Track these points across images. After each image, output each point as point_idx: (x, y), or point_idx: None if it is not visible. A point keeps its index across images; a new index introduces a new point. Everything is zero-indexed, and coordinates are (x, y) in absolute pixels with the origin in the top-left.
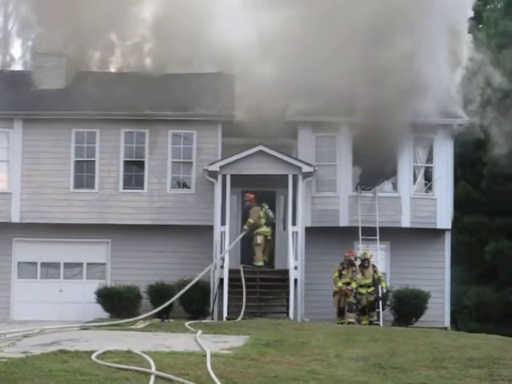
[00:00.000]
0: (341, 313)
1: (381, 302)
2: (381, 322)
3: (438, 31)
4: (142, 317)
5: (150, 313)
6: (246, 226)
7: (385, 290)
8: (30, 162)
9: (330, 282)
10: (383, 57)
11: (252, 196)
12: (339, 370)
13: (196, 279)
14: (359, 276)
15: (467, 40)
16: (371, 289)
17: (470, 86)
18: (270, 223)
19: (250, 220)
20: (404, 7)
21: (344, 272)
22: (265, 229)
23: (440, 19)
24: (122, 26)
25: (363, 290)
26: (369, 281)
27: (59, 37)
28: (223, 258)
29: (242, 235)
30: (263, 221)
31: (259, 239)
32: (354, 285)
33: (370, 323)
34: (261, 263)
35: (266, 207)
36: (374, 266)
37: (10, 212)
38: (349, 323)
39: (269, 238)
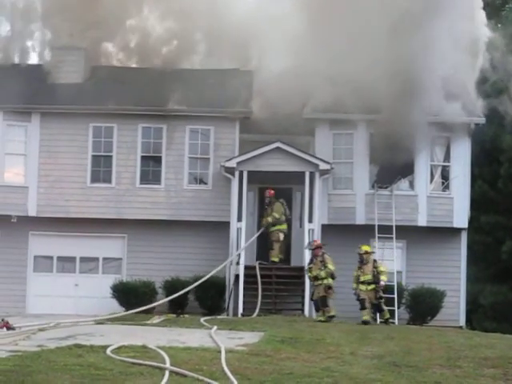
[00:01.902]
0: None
1: (382, 300)
2: (396, 321)
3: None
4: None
5: (162, 301)
6: (270, 219)
7: (383, 283)
8: (47, 156)
9: (345, 279)
10: (401, 51)
11: (273, 192)
12: (354, 368)
13: (218, 268)
14: (330, 266)
15: (485, 35)
16: (371, 286)
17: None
18: (287, 220)
19: (276, 214)
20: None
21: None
22: (284, 226)
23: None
24: (139, 20)
25: (363, 287)
26: (368, 277)
27: (77, 31)
28: (239, 255)
29: (262, 229)
30: (283, 217)
31: (281, 236)
32: (322, 273)
33: (386, 322)
34: (276, 259)
35: (285, 203)
36: (374, 262)
37: (27, 206)
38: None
39: (285, 234)
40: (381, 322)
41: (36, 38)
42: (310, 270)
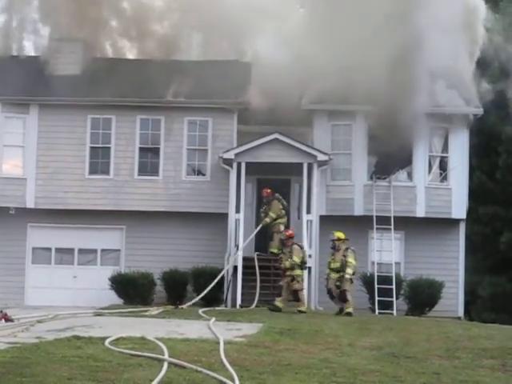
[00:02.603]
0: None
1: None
2: (394, 312)
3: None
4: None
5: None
6: (268, 219)
7: (347, 277)
8: (46, 148)
9: None
10: (397, 42)
11: (269, 191)
12: (352, 359)
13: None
14: (295, 257)
15: (482, 27)
16: (338, 275)
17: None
18: (287, 213)
19: (272, 215)
20: None
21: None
22: (284, 219)
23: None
24: (137, 12)
25: (333, 275)
26: (337, 265)
27: (75, 22)
28: (237, 246)
29: (260, 226)
30: (283, 212)
31: (281, 227)
32: (286, 264)
33: (344, 313)
34: (275, 250)
35: (281, 197)
36: (345, 250)
37: (25, 198)
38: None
39: (286, 226)
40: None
41: (34, 29)
42: (280, 260)
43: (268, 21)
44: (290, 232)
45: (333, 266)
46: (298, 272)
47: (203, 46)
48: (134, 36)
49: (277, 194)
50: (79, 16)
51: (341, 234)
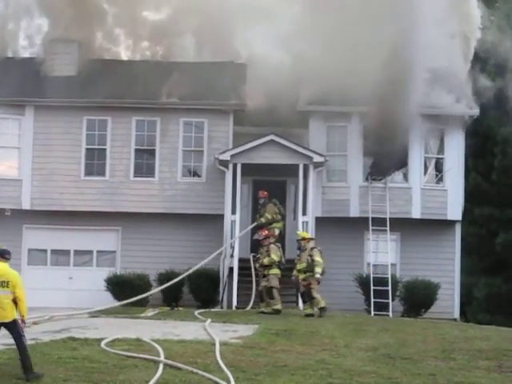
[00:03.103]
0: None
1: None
2: (390, 313)
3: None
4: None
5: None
6: (263, 219)
7: (317, 276)
8: (41, 149)
9: (339, 272)
10: (389, 41)
11: (266, 193)
12: (348, 360)
13: (205, 261)
14: (273, 255)
15: (477, 26)
16: (306, 275)
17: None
18: (283, 218)
19: (268, 215)
20: None
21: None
22: (280, 224)
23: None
24: (133, 13)
25: (301, 276)
26: (303, 265)
27: (71, 24)
28: (233, 248)
29: (254, 224)
30: (279, 216)
31: (276, 231)
32: (265, 261)
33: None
34: None
35: (278, 202)
36: (311, 250)
37: (21, 199)
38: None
39: (281, 231)
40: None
41: (30, 30)
42: (258, 260)
43: (264, 21)
44: (267, 232)
45: (299, 267)
46: (276, 271)
47: (198, 47)
48: (128, 35)
49: (274, 200)
50: (75, 16)
51: (305, 234)
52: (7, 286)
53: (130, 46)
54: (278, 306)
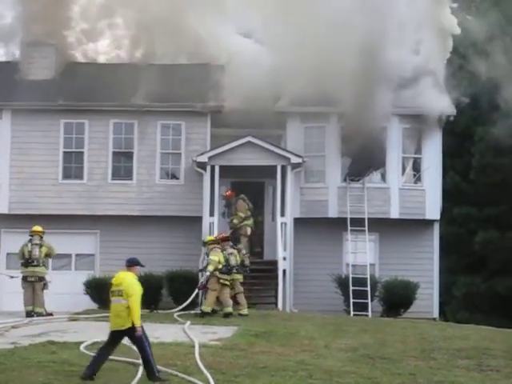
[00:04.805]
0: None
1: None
2: (369, 313)
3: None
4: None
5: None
6: (236, 221)
7: (208, 273)
8: (19, 153)
9: (318, 273)
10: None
11: (230, 193)
12: (328, 361)
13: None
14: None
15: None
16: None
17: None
18: (251, 209)
19: (241, 214)
20: None
21: None
22: (250, 221)
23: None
24: (108, 16)
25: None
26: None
27: (47, 27)
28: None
29: (231, 231)
30: (249, 213)
31: (248, 230)
32: (209, 268)
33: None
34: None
35: (246, 198)
36: (211, 250)
37: None
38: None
39: (252, 229)
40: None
41: (6, 34)
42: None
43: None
44: (210, 238)
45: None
46: (237, 276)
47: (174, 49)
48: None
49: (242, 195)
50: (50, 20)
51: (209, 238)
52: (121, 295)
53: (108, 48)
54: (208, 309)
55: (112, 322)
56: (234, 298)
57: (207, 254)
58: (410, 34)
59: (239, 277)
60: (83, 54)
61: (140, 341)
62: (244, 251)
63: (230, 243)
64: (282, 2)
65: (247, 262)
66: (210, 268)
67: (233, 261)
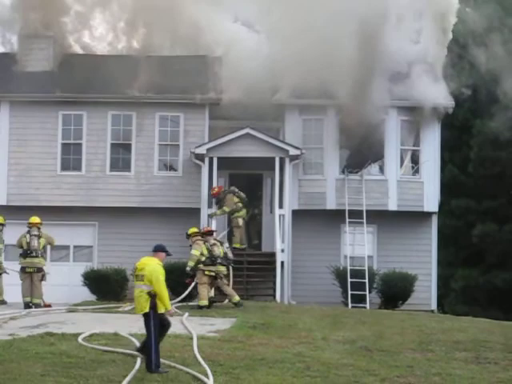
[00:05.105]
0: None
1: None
2: (367, 305)
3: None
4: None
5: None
6: (218, 212)
7: (187, 269)
8: (17, 145)
9: (316, 265)
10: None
11: (217, 190)
12: (326, 353)
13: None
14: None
15: (453, 15)
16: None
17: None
18: (242, 200)
19: (226, 209)
20: None
21: None
22: (242, 212)
23: None
24: (106, 7)
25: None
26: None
27: (44, 19)
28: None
29: (228, 229)
30: (240, 204)
31: (240, 221)
32: (189, 263)
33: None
34: (238, 245)
35: (237, 190)
36: (193, 243)
37: None
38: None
39: (245, 219)
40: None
41: (4, 25)
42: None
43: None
44: (192, 230)
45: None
46: (221, 268)
47: (171, 39)
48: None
49: (232, 187)
50: (48, 11)
51: (192, 230)
52: (142, 280)
53: (105, 40)
54: (204, 303)
55: (135, 306)
56: (219, 290)
57: (191, 246)
58: (409, 23)
59: (222, 269)
60: (80, 44)
61: (148, 327)
62: (226, 245)
63: (214, 236)
64: None
65: (230, 254)
66: (191, 263)
67: (216, 251)
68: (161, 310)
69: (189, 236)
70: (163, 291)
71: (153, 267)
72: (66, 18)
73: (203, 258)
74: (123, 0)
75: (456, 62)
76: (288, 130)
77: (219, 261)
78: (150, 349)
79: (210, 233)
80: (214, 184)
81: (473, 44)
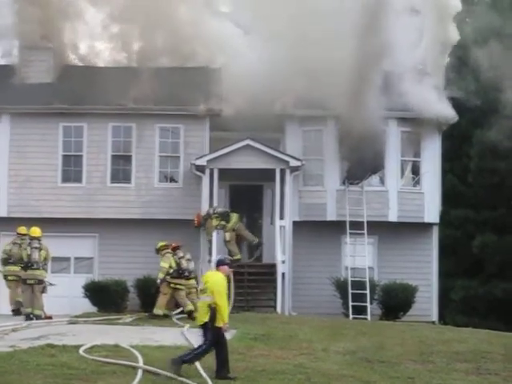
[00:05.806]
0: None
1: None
2: (368, 316)
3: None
4: None
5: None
6: (207, 237)
7: (158, 281)
8: (18, 157)
9: (317, 276)
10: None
11: (197, 221)
12: (326, 364)
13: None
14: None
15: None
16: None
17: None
18: (222, 216)
19: (208, 236)
20: None
21: None
22: (229, 226)
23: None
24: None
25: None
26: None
27: (45, 31)
28: (211, 253)
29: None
30: (223, 222)
31: (227, 236)
32: (159, 275)
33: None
34: (238, 257)
35: (211, 211)
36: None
37: None
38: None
39: (235, 228)
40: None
41: (4, 37)
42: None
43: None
44: (161, 244)
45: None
46: (190, 282)
47: (172, 52)
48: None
49: (208, 210)
50: (48, 24)
51: (160, 244)
52: (206, 292)
53: (105, 52)
54: (158, 312)
55: (196, 317)
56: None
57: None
58: (409, 33)
59: (192, 282)
60: (79, 56)
61: (205, 338)
62: (181, 254)
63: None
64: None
65: (185, 265)
66: (161, 275)
67: (184, 264)
68: (219, 324)
69: (158, 251)
70: (223, 304)
71: (216, 280)
72: (66, 29)
73: (171, 270)
74: (122, 11)
75: (456, 71)
76: (288, 142)
77: (186, 274)
78: (198, 351)
79: (178, 248)
80: (215, 196)
81: (472, 54)
